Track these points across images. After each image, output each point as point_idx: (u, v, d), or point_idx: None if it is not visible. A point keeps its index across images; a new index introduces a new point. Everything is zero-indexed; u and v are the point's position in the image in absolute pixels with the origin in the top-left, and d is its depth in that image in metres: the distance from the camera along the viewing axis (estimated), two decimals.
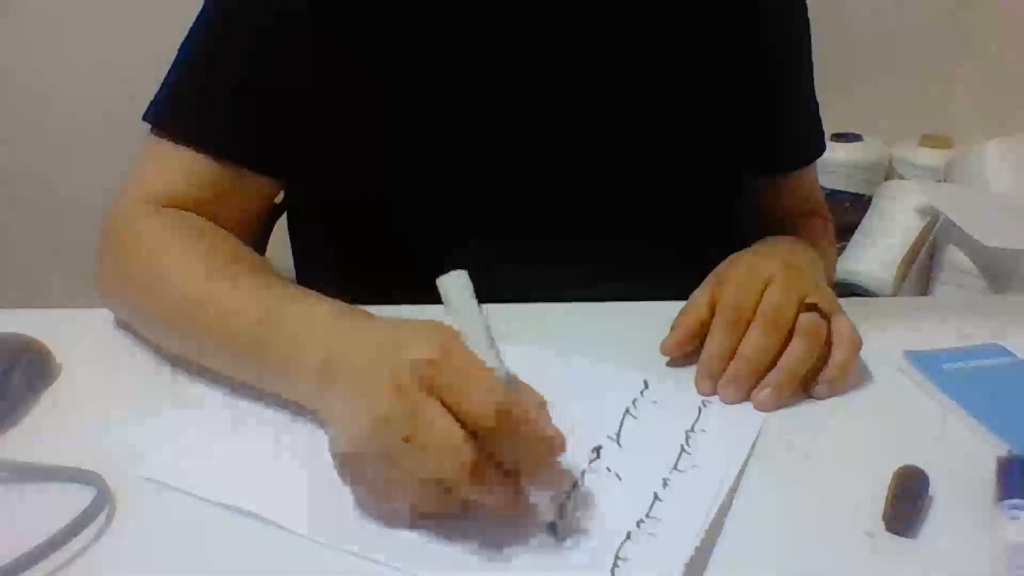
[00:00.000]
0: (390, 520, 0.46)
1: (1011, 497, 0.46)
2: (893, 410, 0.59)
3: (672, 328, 0.63)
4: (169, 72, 0.69)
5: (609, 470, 0.51)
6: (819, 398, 0.59)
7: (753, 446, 0.54)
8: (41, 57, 1.75)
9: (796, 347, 0.59)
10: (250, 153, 0.68)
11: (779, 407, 0.58)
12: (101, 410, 0.57)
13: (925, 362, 0.62)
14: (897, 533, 0.47)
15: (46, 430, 0.55)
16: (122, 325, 0.66)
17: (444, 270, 0.48)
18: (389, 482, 0.45)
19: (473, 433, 0.43)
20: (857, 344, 0.60)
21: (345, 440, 0.46)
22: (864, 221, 1.81)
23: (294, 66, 0.68)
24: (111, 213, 0.67)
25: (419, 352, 0.44)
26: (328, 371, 0.49)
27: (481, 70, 0.70)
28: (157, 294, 0.61)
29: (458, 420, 0.43)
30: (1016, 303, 0.94)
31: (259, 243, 0.88)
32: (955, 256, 1.62)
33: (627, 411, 0.57)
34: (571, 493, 0.48)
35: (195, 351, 0.60)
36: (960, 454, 0.53)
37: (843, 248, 1.78)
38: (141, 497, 0.48)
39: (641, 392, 0.59)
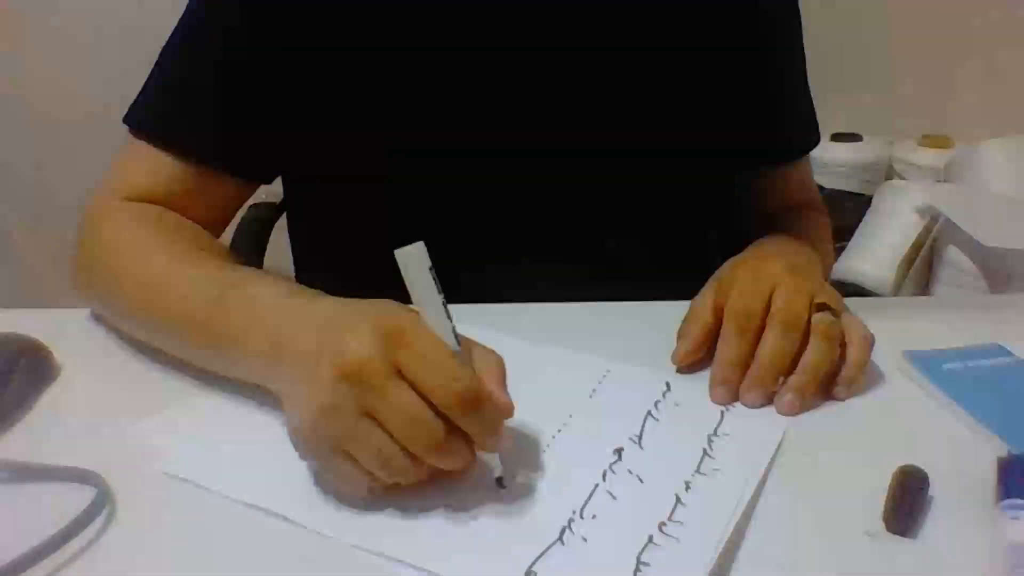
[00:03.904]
0: (348, 495, 0.47)
1: (1011, 497, 0.46)
2: (893, 410, 0.59)
3: (680, 337, 0.63)
4: (149, 76, 0.71)
5: (631, 472, 0.51)
6: (840, 399, 0.59)
7: (776, 451, 0.54)
8: (43, 56, 1.75)
9: (815, 349, 0.58)
10: (217, 156, 0.69)
11: (803, 410, 0.58)
12: (101, 410, 0.57)
13: (925, 362, 0.62)
14: (897, 533, 0.46)
15: (46, 430, 0.55)
16: (96, 318, 0.66)
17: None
18: (348, 459, 0.46)
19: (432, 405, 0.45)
20: (871, 341, 0.60)
21: (299, 421, 0.46)
22: (864, 221, 1.81)
23: (267, 71, 0.69)
24: (86, 210, 0.68)
25: (372, 331, 0.45)
26: (275, 352, 0.50)
27: (467, 62, 0.70)
28: (122, 282, 0.62)
29: (422, 396, 0.44)
30: (1016, 303, 0.93)
31: (251, 244, 0.90)
32: (955, 256, 1.63)
33: (649, 413, 0.56)
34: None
35: (156, 337, 0.61)
36: (960, 454, 0.53)
37: (843, 248, 1.78)
38: (141, 497, 0.48)
39: (663, 394, 0.59)
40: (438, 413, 0.45)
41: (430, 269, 0.47)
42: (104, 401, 0.58)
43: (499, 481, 0.49)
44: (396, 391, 0.44)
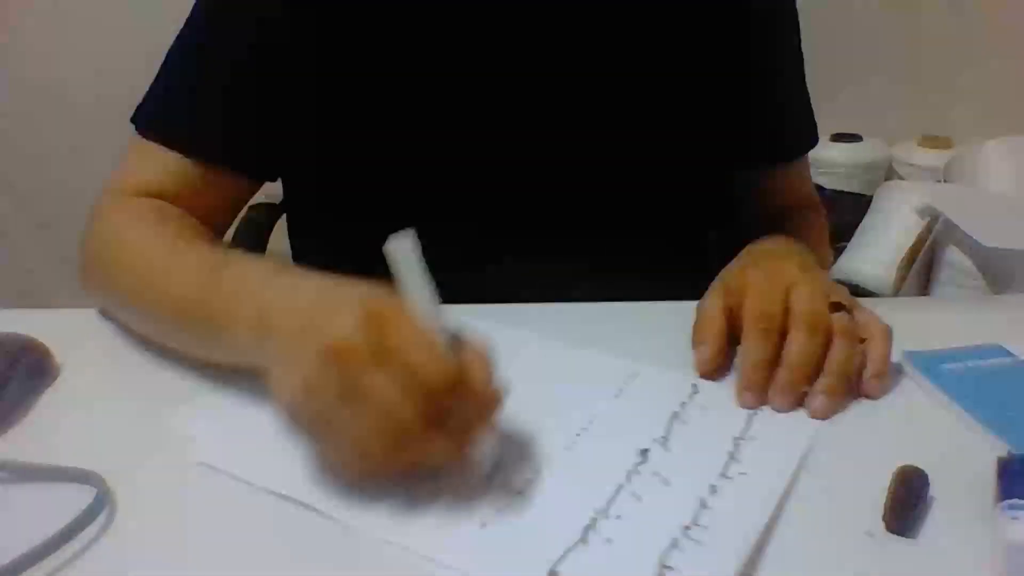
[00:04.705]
0: (333, 478, 0.48)
1: (1011, 497, 0.46)
2: (893, 410, 0.59)
3: (697, 344, 0.62)
4: (156, 76, 0.71)
5: (656, 474, 0.50)
6: (874, 396, 0.59)
7: (804, 455, 0.53)
8: (44, 56, 1.75)
9: (840, 349, 0.58)
10: (223, 154, 0.70)
11: (835, 413, 0.57)
12: (101, 410, 0.57)
13: (925, 362, 0.62)
14: (897, 533, 0.46)
15: (46, 430, 0.55)
16: (103, 314, 0.67)
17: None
18: (329, 439, 0.46)
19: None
20: (890, 333, 0.60)
21: (283, 396, 0.47)
22: (864, 221, 1.81)
23: (274, 71, 0.69)
24: (93, 208, 0.69)
25: (357, 313, 0.45)
26: (264, 327, 0.50)
27: (470, 62, 0.70)
28: (124, 275, 0.63)
29: (399, 381, 0.44)
30: (1016, 303, 0.94)
31: (251, 245, 0.91)
32: (955, 256, 1.62)
33: (675, 415, 0.56)
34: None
35: (155, 324, 0.61)
36: (960, 454, 0.53)
37: (843, 248, 1.78)
38: (141, 497, 0.48)
39: (690, 396, 0.58)
40: (418, 405, 0.44)
41: (420, 259, 0.46)
42: (104, 401, 0.58)
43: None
44: (374, 377, 0.44)
